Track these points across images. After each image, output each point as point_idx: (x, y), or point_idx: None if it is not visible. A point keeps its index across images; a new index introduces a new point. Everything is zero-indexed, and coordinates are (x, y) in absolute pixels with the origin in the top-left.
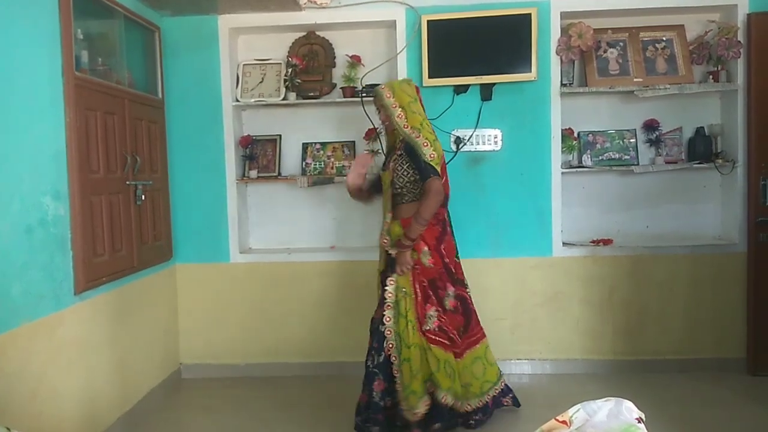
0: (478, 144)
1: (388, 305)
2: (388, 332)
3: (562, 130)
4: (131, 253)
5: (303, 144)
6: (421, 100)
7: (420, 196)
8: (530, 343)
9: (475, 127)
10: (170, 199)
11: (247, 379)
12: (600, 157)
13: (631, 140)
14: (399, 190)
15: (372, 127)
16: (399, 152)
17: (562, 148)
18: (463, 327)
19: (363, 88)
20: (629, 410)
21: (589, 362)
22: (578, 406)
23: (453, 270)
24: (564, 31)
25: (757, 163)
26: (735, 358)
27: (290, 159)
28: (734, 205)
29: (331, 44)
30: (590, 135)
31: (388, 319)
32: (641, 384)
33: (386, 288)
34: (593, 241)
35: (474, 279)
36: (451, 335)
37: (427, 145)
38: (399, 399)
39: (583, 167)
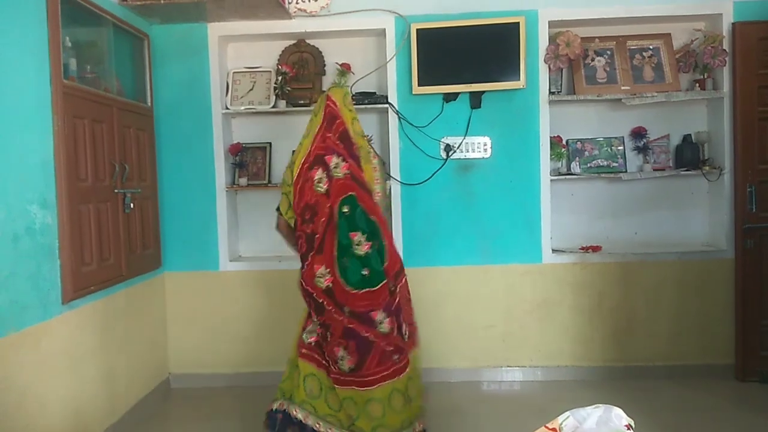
0: (467, 151)
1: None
2: None
3: (550, 137)
4: (120, 262)
5: (293, 152)
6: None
7: None
8: (520, 350)
9: (465, 135)
10: (159, 207)
11: (236, 388)
12: (588, 165)
13: (619, 148)
14: None
15: (365, 135)
16: None
17: (551, 155)
18: (354, 365)
19: (353, 96)
20: (618, 417)
21: (579, 369)
22: (568, 413)
23: (316, 297)
24: (552, 39)
25: (743, 169)
26: (723, 364)
27: (280, 167)
28: (721, 211)
29: (320, 52)
30: (578, 142)
31: None
32: (631, 390)
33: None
34: (582, 248)
35: (463, 286)
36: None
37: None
38: None
39: (572, 174)
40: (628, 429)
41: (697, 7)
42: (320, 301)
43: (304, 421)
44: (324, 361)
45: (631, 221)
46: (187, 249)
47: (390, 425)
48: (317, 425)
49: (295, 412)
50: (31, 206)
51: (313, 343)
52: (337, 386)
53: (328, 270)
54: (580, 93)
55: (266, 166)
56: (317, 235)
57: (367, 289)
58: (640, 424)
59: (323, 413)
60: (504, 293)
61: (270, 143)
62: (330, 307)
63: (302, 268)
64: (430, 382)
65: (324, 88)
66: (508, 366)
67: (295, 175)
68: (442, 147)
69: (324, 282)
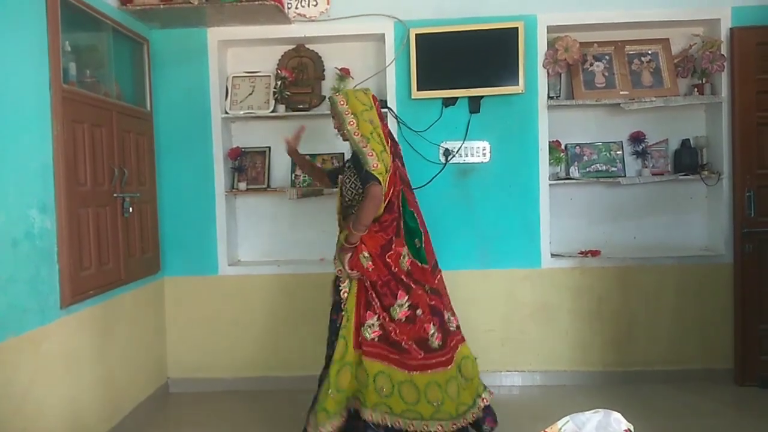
0: (466, 156)
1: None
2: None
3: (549, 142)
4: (118, 266)
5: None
6: (378, 109)
7: None
8: (520, 354)
9: (464, 140)
10: (158, 211)
11: (235, 393)
12: (587, 169)
13: (618, 152)
14: (349, 202)
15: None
16: (348, 164)
17: (550, 160)
18: (441, 341)
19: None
20: (618, 422)
21: (579, 374)
22: (567, 418)
23: (404, 279)
24: (551, 44)
25: (741, 174)
26: (723, 368)
27: (279, 171)
28: (720, 216)
29: (320, 57)
30: (577, 147)
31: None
32: (630, 395)
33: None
34: (581, 253)
35: (462, 291)
36: (405, 345)
37: (372, 155)
38: (308, 411)
39: (571, 179)
40: None
41: (695, 12)
42: (406, 281)
43: (381, 422)
44: (394, 354)
45: (630, 226)
46: (186, 253)
47: (464, 402)
48: (397, 423)
49: (370, 416)
50: (31, 210)
51: (376, 339)
52: (419, 373)
53: (407, 251)
54: (579, 98)
55: (265, 170)
56: (396, 221)
57: (425, 266)
58: (639, 429)
59: (400, 410)
60: (503, 298)
61: (269, 147)
62: (414, 286)
63: (382, 252)
64: None
65: (323, 93)
66: (508, 370)
67: (390, 164)
68: (441, 151)
69: (406, 263)
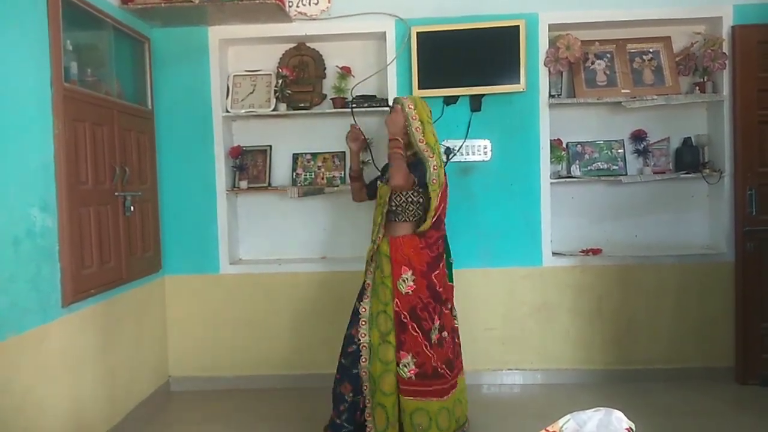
0: (467, 154)
1: (363, 321)
2: (363, 372)
3: (550, 140)
4: (120, 265)
5: (293, 155)
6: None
7: (413, 217)
8: (521, 353)
9: (465, 138)
10: (159, 210)
11: (236, 391)
12: (588, 168)
13: (619, 151)
14: (395, 209)
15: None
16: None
17: (551, 158)
18: (453, 358)
19: (353, 99)
20: (619, 420)
21: (580, 372)
22: (568, 416)
23: (444, 298)
24: (552, 43)
25: (743, 172)
26: (724, 367)
27: (280, 170)
28: (722, 214)
29: (321, 55)
30: (579, 145)
31: (364, 350)
32: (631, 393)
33: (359, 313)
34: (582, 251)
35: (463, 289)
36: (441, 371)
37: (436, 168)
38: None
39: (572, 177)
40: None
41: (696, 10)
42: (439, 303)
43: None
44: (433, 385)
45: (631, 224)
46: (188, 252)
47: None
48: None
49: None
50: (32, 209)
51: (413, 377)
52: (450, 395)
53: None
54: (580, 96)
55: (266, 169)
56: (442, 239)
57: (451, 284)
58: (640, 427)
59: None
60: (504, 296)
61: (270, 146)
62: (443, 308)
63: (429, 270)
64: None
65: (324, 91)
66: (509, 369)
67: (443, 180)
68: (443, 150)
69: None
